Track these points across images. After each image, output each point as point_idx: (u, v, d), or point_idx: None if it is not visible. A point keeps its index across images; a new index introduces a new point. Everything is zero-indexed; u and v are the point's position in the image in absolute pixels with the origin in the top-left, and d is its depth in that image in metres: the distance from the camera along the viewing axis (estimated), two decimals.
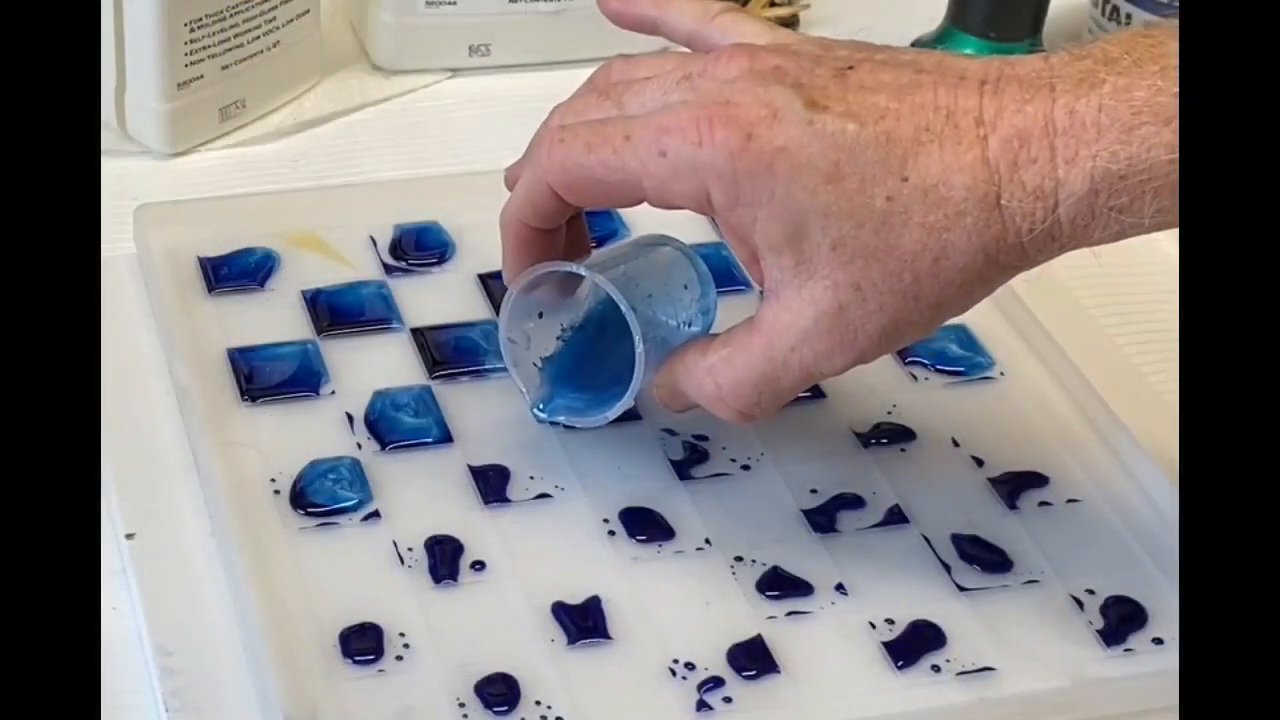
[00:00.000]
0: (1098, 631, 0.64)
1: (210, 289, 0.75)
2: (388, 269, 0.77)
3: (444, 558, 0.65)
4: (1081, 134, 0.58)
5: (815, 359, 0.61)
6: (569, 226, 0.67)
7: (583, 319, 0.70)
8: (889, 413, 0.72)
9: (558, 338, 0.69)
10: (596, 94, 0.66)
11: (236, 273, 0.75)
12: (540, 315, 0.69)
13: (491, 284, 0.76)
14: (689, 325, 0.67)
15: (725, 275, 0.76)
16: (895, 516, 0.68)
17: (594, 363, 0.69)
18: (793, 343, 0.61)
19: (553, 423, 0.69)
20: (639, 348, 0.65)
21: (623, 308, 0.65)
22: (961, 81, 0.60)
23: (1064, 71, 0.59)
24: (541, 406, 0.68)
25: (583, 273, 0.66)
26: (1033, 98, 0.59)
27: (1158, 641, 0.64)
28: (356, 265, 0.77)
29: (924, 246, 0.60)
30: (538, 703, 0.61)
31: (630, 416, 0.70)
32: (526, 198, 0.65)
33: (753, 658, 0.62)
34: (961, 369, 0.74)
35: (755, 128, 0.60)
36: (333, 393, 0.71)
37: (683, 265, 0.69)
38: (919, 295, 0.60)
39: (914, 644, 0.63)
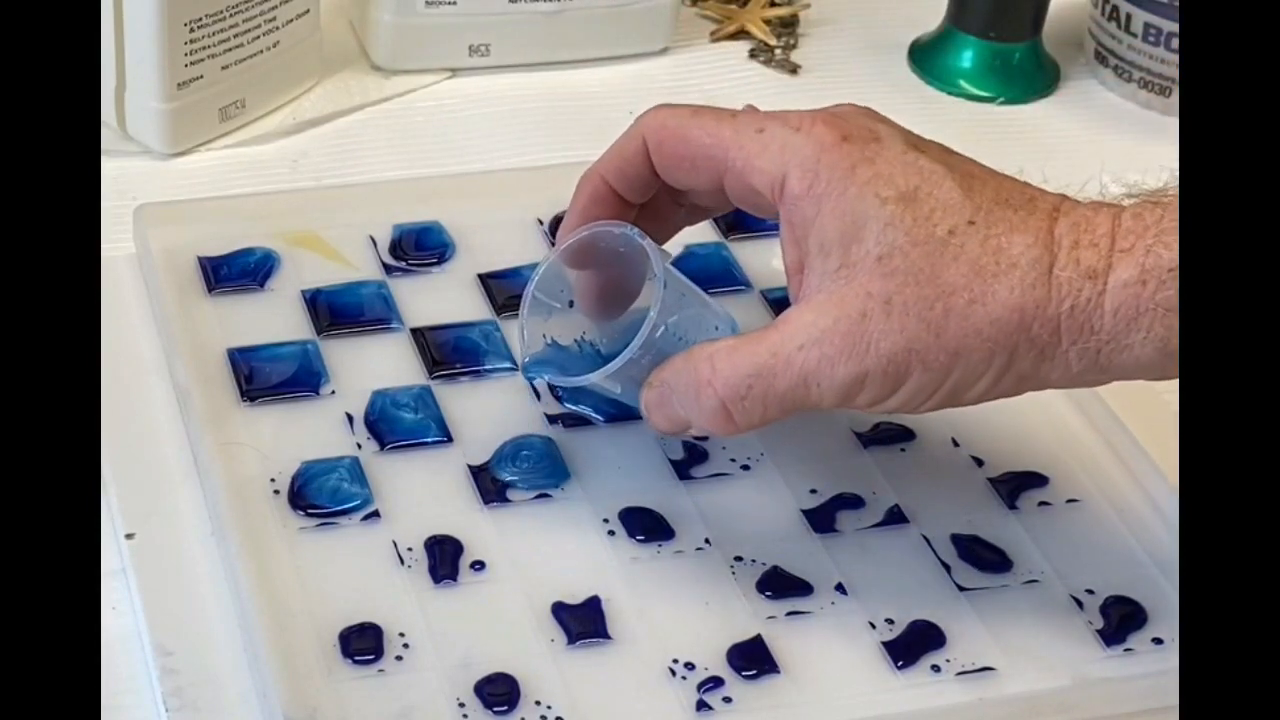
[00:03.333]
0: (1098, 631, 0.64)
1: (210, 289, 0.75)
2: (388, 269, 0.77)
3: (444, 558, 0.65)
4: (1142, 231, 0.59)
5: (819, 362, 0.61)
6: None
7: (607, 348, 0.68)
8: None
9: (576, 340, 0.69)
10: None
11: (236, 273, 0.75)
12: (570, 304, 0.68)
13: (491, 284, 0.76)
14: None
15: (724, 275, 0.76)
16: (895, 516, 0.68)
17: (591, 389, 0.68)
18: (803, 340, 0.61)
19: (535, 380, 0.69)
20: (655, 307, 0.63)
21: (655, 264, 0.64)
22: (1047, 192, 0.62)
23: (1132, 208, 0.61)
24: (530, 369, 0.68)
25: (635, 234, 0.65)
26: (1105, 208, 0.61)
27: (1158, 641, 0.64)
28: (356, 265, 0.77)
29: (966, 284, 0.60)
30: (538, 703, 0.61)
31: (630, 416, 0.70)
32: (616, 151, 0.66)
33: (753, 658, 0.63)
34: None
35: (853, 136, 0.62)
36: (333, 393, 0.71)
37: (724, 315, 0.68)
38: (941, 332, 0.60)
39: (914, 644, 0.63)
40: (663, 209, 0.68)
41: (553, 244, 0.78)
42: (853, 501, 0.68)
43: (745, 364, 0.62)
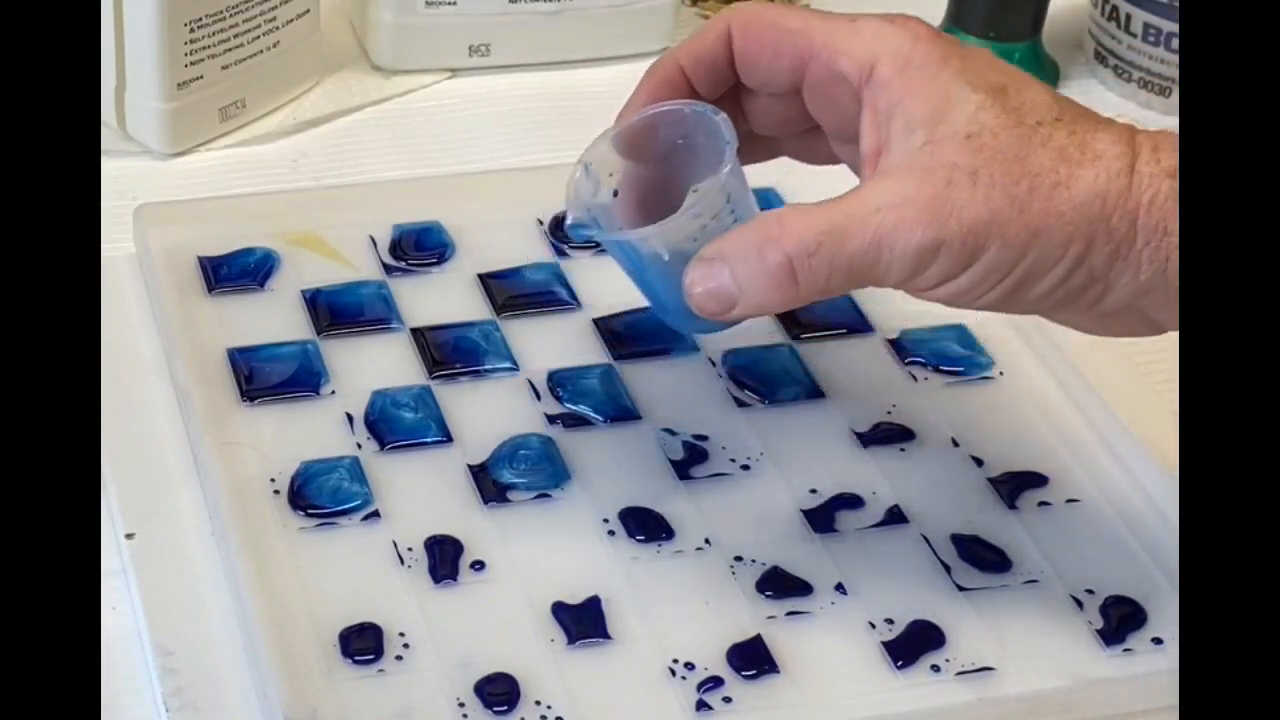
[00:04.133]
0: (1097, 631, 0.64)
1: (210, 289, 0.75)
2: (388, 269, 0.77)
3: (444, 558, 0.65)
4: None
5: (896, 225, 0.59)
6: None
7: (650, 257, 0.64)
8: (889, 413, 0.72)
9: (619, 227, 0.65)
10: None
11: (236, 273, 0.75)
12: (615, 194, 0.65)
13: (491, 284, 0.76)
14: None
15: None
16: (895, 516, 0.68)
17: (639, 272, 0.65)
18: (880, 203, 0.59)
19: (582, 240, 0.68)
20: (729, 163, 0.62)
21: (724, 130, 0.62)
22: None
23: None
24: (575, 228, 0.65)
25: (707, 111, 0.63)
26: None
27: (1157, 641, 0.64)
28: (356, 265, 0.77)
29: (1053, 167, 0.59)
30: (537, 703, 0.61)
31: (630, 416, 0.70)
32: (696, 39, 0.65)
33: (752, 658, 0.62)
34: (961, 369, 0.74)
35: (948, 41, 0.62)
36: (333, 393, 0.71)
37: None
38: (1025, 208, 0.59)
39: (914, 644, 0.63)
40: (734, 106, 0.66)
41: (554, 244, 0.78)
42: (853, 501, 0.68)
43: (817, 220, 0.60)
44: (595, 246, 0.78)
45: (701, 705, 0.61)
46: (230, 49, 0.83)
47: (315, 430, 0.69)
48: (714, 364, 0.73)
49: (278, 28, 0.85)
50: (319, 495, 0.67)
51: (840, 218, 0.59)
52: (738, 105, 0.66)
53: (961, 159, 0.59)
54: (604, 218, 0.65)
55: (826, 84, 0.63)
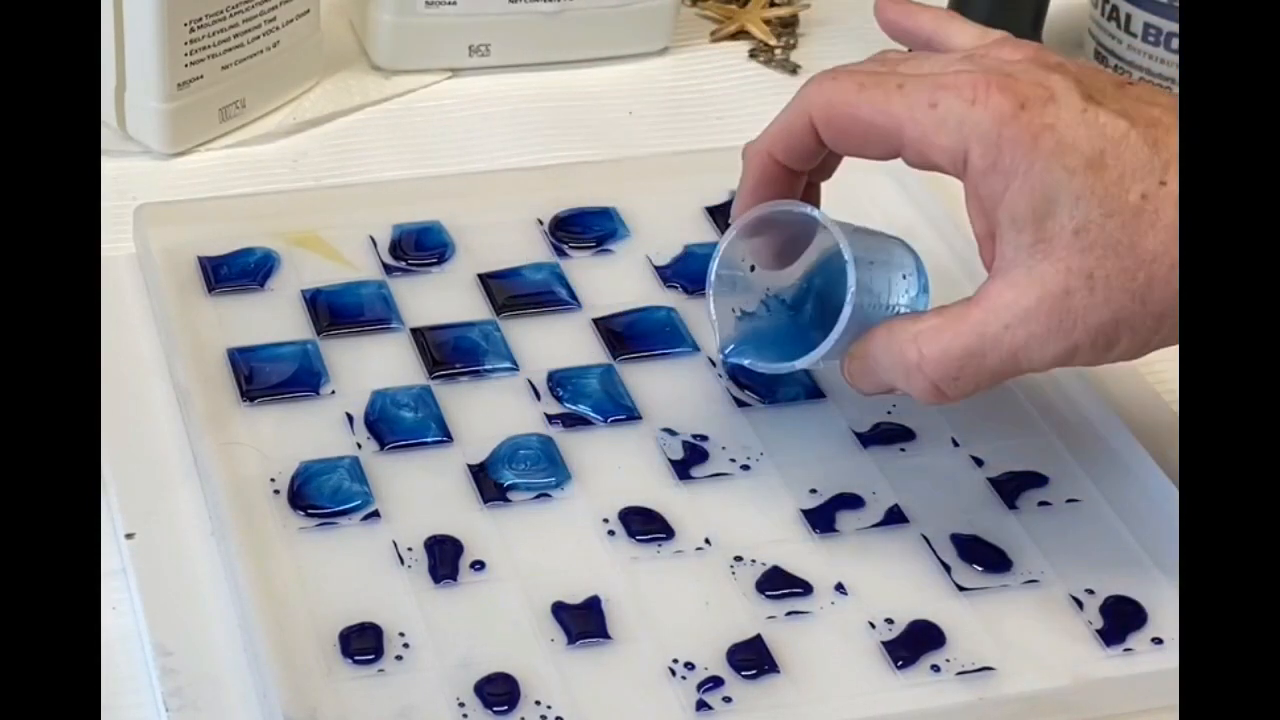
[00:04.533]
0: (1097, 631, 0.64)
1: (210, 289, 0.75)
2: (388, 269, 0.76)
3: (444, 558, 0.65)
4: None
5: (1028, 341, 0.61)
6: (805, 190, 0.68)
7: (792, 298, 0.70)
8: (889, 412, 0.72)
9: (762, 300, 0.70)
10: (873, 62, 0.66)
11: (236, 273, 0.75)
12: (752, 269, 0.69)
13: (491, 284, 0.76)
14: (895, 311, 0.67)
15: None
16: (895, 516, 0.68)
17: (790, 339, 0.69)
18: (1009, 320, 0.61)
19: (735, 365, 0.70)
20: (850, 287, 0.64)
21: (843, 245, 0.64)
22: None
23: None
24: (729, 350, 0.69)
25: (816, 216, 0.66)
26: None
27: (1157, 641, 0.64)
28: (356, 265, 0.77)
29: (1166, 250, 0.59)
30: (537, 702, 0.61)
31: (630, 416, 0.70)
32: (783, 129, 0.66)
33: (752, 657, 0.62)
34: None
35: (1030, 101, 0.61)
36: (333, 393, 0.71)
37: (907, 257, 0.68)
38: (1147, 299, 0.60)
39: (914, 644, 0.63)
40: (829, 160, 0.68)
41: (554, 244, 0.78)
42: (852, 501, 0.68)
43: (954, 348, 0.62)
44: (595, 246, 0.78)
45: (701, 705, 0.61)
46: (230, 49, 0.83)
47: (315, 430, 0.69)
48: (714, 364, 0.73)
49: (278, 28, 0.85)
50: (319, 495, 0.67)
51: (974, 339, 0.62)
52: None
53: (1075, 261, 0.60)
54: (748, 293, 0.69)
55: (925, 165, 0.64)
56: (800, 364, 0.66)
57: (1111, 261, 0.60)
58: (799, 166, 0.67)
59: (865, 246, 0.66)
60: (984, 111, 0.61)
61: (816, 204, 0.69)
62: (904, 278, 0.67)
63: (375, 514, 0.66)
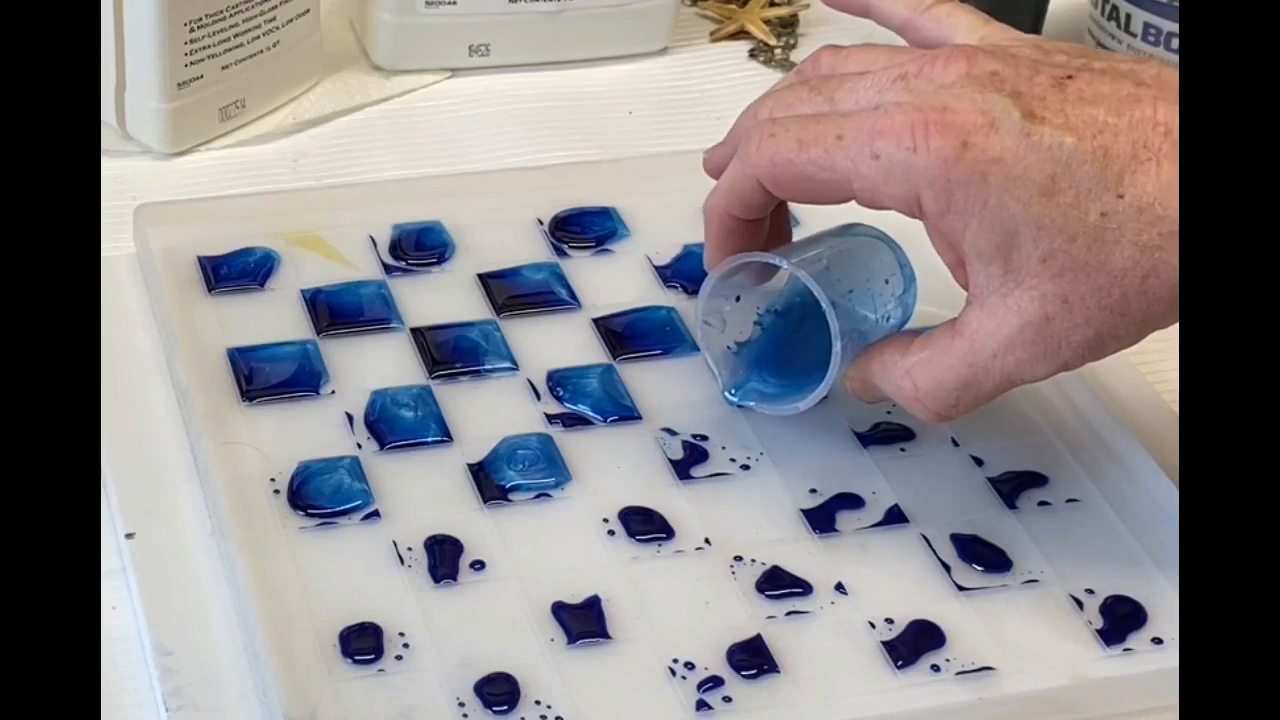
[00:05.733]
0: (1097, 631, 0.64)
1: (210, 289, 0.75)
2: (388, 269, 0.77)
3: (444, 557, 0.65)
4: None
5: (1017, 366, 0.62)
6: (771, 215, 0.68)
7: (783, 305, 0.70)
8: (889, 412, 0.72)
9: (755, 322, 0.70)
10: (807, 87, 0.65)
11: (236, 272, 0.75)
12: (738, 299, 0.70)
13: (491, 284, 0.76)
14: (887, 319, 0.68)
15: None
16: (895, 516, 0.68)
17: (791, 350, 0.70)
18: (995, 350, 0.62)
19: (742, 407, 0.70)
20: (836, 345, 0.65)
21: (824, 305, 0.65)
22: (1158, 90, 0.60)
23: None
24: (734, 391, 0.69)
25: (785, 266, 0.66)
26: None
27: (1157, 641, 0.64)
28: (356, 265, 0.77)
29: (1135, 264, 0.60)
30: (537, 702, 0.61)
31: (630, 416, 0.70)
32: (733, 189, 0.66)
33: (752, 657, 0.62)
34: None
35: (971, 136, 0.60)
36: (332, 392, 0.71)
37: (886, 258, 0.69)
38: (1126, 311, 0.60)
39: (914, 644, 0.63)
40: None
41: (554, 244, 0.78)
42: (852, 501, 0.68)
43: (947, 379, 0.63)
44: (595, 246, 0.78)
45: (701, 705, 0.61)
46: (230, 49, 0.83)
47: (315, 430, 0.69)
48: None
49: (278, 28, 0.85)
50: (319, 495, 0.67)
51: (965, 370, 0.63)
52: None
53: (1047, 287, 0.61)
54: (739, 320, 0.70)
55: (878, 209, 0.63)
56: (804, 405, 0.67)
57: (1084, 283, 0.60)
58: (757, 216, 0.67)
59: (842, 271, 0.67)
60: (927, 157, 0.60)
61: (786, 236, 0.70)
62: (886, 283, 0.68)
63: (375, 514, 0.66)
